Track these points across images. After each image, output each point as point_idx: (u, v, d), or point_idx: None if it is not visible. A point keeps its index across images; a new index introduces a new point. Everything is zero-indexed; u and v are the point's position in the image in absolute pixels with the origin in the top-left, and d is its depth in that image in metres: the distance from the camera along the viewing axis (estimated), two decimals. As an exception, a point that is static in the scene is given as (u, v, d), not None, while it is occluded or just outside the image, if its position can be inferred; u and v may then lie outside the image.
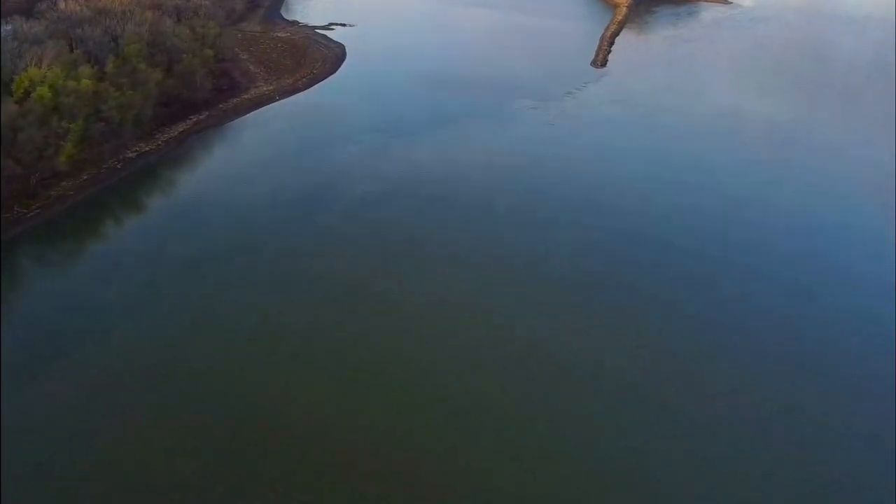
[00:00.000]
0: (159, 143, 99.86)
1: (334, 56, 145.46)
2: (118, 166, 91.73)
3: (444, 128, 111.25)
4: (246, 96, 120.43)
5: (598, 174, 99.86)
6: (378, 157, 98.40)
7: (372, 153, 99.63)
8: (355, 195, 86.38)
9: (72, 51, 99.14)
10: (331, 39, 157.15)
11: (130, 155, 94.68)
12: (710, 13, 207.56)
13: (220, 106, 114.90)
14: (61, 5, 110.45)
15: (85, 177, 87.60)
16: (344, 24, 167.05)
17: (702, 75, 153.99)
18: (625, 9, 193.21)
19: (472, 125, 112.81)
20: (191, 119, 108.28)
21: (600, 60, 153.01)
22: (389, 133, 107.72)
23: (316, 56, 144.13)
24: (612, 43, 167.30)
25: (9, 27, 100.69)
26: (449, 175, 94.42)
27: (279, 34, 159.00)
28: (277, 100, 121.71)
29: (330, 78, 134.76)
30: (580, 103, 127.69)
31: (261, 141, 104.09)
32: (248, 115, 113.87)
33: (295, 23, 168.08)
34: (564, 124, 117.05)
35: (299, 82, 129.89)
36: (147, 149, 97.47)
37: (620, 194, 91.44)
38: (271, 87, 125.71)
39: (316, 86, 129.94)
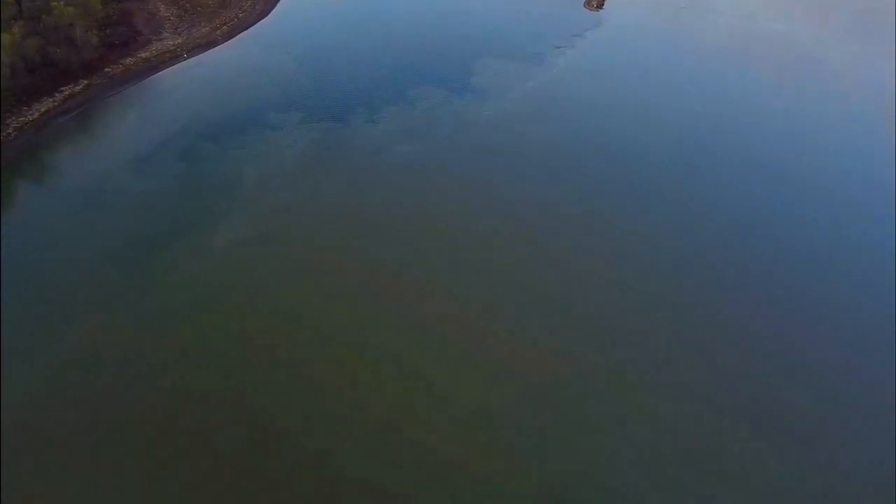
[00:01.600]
0: (10, 131, 77.99)
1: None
2: (-58, 171, 71.06)
3: (386, 104, 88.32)
4: (144, 54, 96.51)
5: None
6: (284, 157, 76.66)
7: (277, 150, 77.78)
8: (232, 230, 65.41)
9: None
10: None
11: (-36, 152, 73.70)
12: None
13: (107, 70, 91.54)
14: None
15: None
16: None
17: (721, 23, 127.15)
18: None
19: (425, 103, 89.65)
20: (62, 91, 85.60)
21: (596, 1, 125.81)
22: (312, 112, 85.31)
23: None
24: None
25: None
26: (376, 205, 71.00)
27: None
28: (185, 58, 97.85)
29: (259, 24, 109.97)
30: (566, 72, 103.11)
31: (145, 126, 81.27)
32: (140, 83, 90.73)
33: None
34: (547, 111, 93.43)
35: (217, 32, 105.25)
36: (-9, 141, 76.22)
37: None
38: (179, 40, 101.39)
39: (238, 36, 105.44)
